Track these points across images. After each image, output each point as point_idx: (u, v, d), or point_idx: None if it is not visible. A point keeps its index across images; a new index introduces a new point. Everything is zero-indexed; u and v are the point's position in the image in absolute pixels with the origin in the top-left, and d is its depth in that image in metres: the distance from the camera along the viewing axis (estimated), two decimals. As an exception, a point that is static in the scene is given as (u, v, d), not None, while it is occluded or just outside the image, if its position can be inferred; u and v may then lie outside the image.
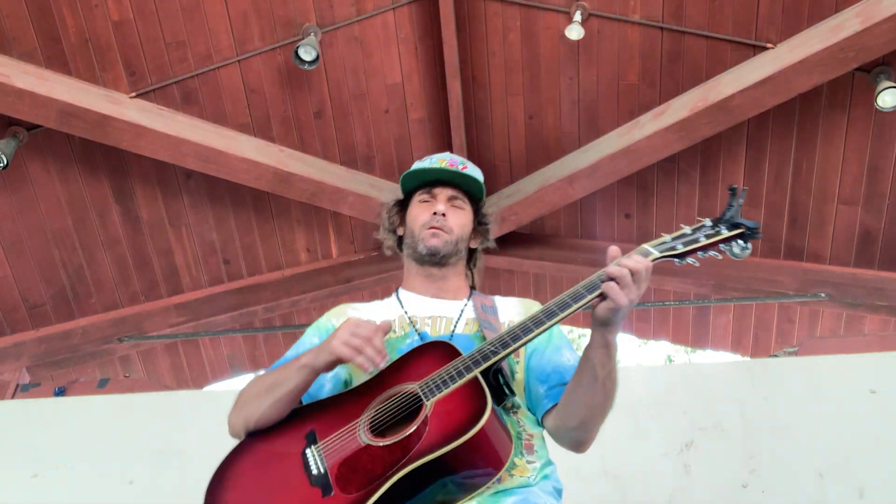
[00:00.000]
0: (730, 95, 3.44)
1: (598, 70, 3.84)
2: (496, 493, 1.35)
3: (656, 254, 1.35)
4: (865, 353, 3.17)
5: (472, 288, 1.76)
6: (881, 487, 2.47)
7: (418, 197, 1.73)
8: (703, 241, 1.36)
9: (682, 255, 1.35)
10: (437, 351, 1.42)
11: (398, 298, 1.70)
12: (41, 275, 4.04)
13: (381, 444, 1.31)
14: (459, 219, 1.70)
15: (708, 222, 1.38)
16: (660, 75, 3.77)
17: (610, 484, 2.61)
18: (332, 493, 1.28)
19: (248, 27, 3.66)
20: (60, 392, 3.76)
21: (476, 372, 1.33)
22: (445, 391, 1.32)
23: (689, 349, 8.80)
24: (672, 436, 2.72)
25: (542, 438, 1.52)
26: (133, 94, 3.64)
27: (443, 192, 1.71)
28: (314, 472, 1.33)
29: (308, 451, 1.39)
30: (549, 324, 1.33)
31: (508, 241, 4.26)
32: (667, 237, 1.38)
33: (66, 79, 3.51)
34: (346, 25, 3.74)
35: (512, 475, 1.39)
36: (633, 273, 1.27)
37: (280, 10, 3.64)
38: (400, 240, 1.78)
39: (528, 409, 1.53)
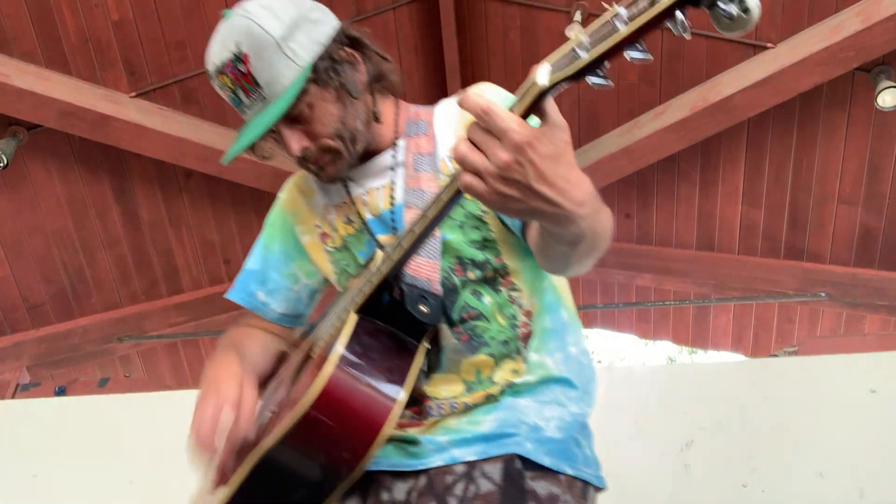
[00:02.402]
0: (730, 95, 3.44)
1: (598, 70, 3.83)
2: (470, 409, 1.10)
3: (540, 82, 0.78)
4: (865, 353, 3.16)
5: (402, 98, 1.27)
6: (881, 487, 2.47)
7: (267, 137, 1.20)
8: (625, 28, 0.72)
9: (591, 67, 0.74)
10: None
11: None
12: (41, 275, 4.04)
13: (273, 412, 1.07)
14: (319, 125, 1.12)
15: (620, 8, 0.73)
16: (660, 75, 3.77)
17: (609, 483, 2.61)
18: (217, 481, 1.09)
19: (248, 27, 3.66)
20: (60, 392, 3.76)
21: (350, 314, 1.02)
22: (322, 345, 1.07)
23: (690, 350, 8.81)
24: (672, 436, 2.72)
25: (549, 306, 1.16)
26: (133, 93, 3.64)
27: (275, 125, 1.12)
28: None
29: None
30: (401, 252, 0.98)
31: (508, 241, 4.26)
32: (559, 51, 0.78)
33: (66, 79, 3.51)
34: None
35: (494, 382, 1.11)
36: (479, 146, 0.77)
37: (280, 9, 3.64)
38: None
39: (523, 255, 1.15)
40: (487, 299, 1.12)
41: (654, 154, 3.69)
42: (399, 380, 0.99)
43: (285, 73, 1.06)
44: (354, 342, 0.99)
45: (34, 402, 3.52)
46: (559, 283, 1.21)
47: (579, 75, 0.75)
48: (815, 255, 4.07)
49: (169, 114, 3.69)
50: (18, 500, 2.86)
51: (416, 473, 1.06)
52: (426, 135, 1.18)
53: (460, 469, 1.04)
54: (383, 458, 1.08)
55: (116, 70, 3.60)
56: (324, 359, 0.97)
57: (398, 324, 1.03)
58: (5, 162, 3.38)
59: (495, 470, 1.02)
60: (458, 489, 1.01)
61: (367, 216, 1.19)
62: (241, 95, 1.08)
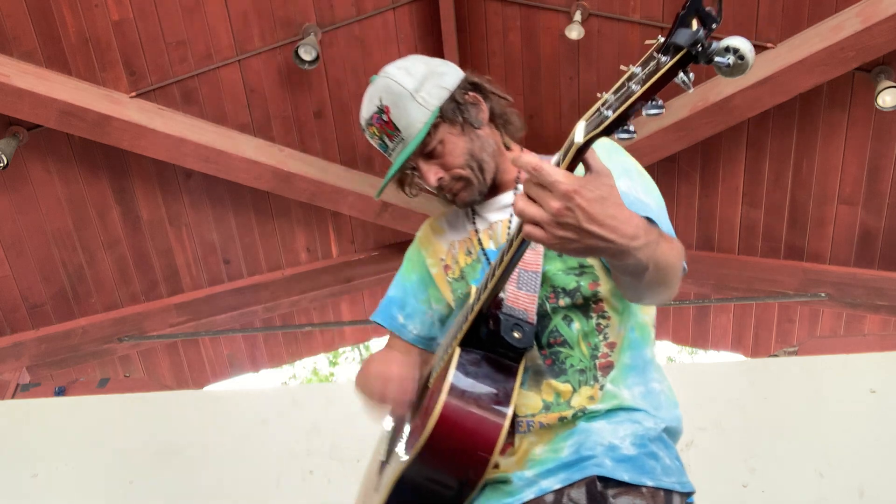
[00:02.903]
0: (730, 95, 3.44)
1: (598, 70, 3.84)
2: (548, 434, 1.20)
3: (577, 140, 0.89)
4: (865, 353, 3.17)
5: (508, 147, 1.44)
6: (881, 487, 2.47)
7: (409, 173, 1.41)
8: (639, 89, 0.83)
9: (615, 125, 0.86)
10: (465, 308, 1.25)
11: (471, 210, 1.42)
12: (41, 275, 4.04)
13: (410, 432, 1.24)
14: (450, 157, 1.32)
15: (636, 68, 0.84)
16: (660, 75, 3.77)
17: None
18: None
19: (248, 27, 3.66)
20: (60, 392, 3.76)
21: (455, 348, 1.16)
22: (435, 375, 1.20)
23: (690, 350, 8.80)
24: (672, 436, 2.71)
25: (634, 342, 1.26)
26: (133, 93, 3.64)
27: (413, 161, 1.34)
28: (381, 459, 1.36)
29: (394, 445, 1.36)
30: (492, 282, 1.10)
31: (508, 241, 4.26)
32: (591, 110, 0.90)
33: (66, 79, 3.51)
34: (346, 25, 3.74)
35: (570, 406, 1.21)
36: (535, 199, 0.91)
37: (280, 10, 3.64)
38: None
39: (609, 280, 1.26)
40: (576, 325, 1.24)
41: (654, 154, 3.69)
42: (505, 400, 1.13)
43: (418, 117, 1.29)
44: (460, 372, 1.14)
45: (34, 402, 3.53)
46: (647, 322, 1.31)
47: (608, 131, 0.87)
48: (815, 255, 4.07)
49: (169, 114, 3.69)
50: (18, 500, 2.86)
51: None
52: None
53: (550, 499, 1.13)
54: (485, 500, 1.19)
55: (116, 70, 3.59)
56: (438, 390, 1.13)
57: (497, 350, 1.17)
58: (5, 162, 3.37)
59: (580, 494, 1.12)
60: None
61: (489, 247, 1.35)
62: (386, 140, 1.32)
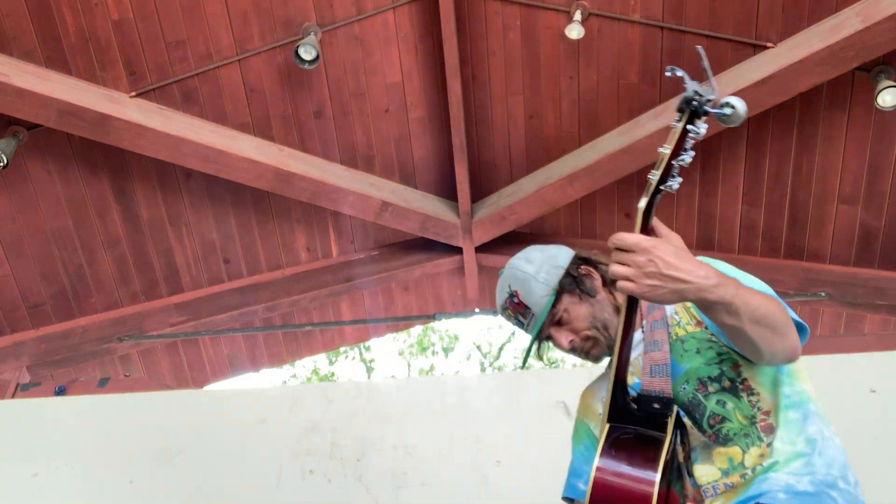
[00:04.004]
0: (730, 95, 3.43)
1: (598, 69, 3.84)
2: (732, 490, 1.35)
3: (639, 208, 1.22)
4: (865, 352, 3.17)
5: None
6: (881, 487, 2.47)
7: (545, 342, 1.65)
8: (668, 151, 1.24)
9: (661, 183, 1.22)
10: None
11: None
12: (41, 274, 4.04)
13: None
14: (577, 322, 1.56)
15: (664, 149, 1.25)
16: (660, 75, 3.77)
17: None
18: None
19: (248, 27, 3.66)
20: (60, 392, 3.76)
21: (605, 424, 1.35)
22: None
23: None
24: (672, 436, 2.71)
25: (792, 401, 1.42)
26: (133, 93, 3.64)
27: (546, 332, 1.59)
28: None
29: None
30: (616, 356, 1.32)
31: (508, 241, 4.26)
32: (649, 181, 1.24)
33: (66, 78, 3.51)
34: (346, 25, 3.74)
35: (745, 466, 1.36)
36: (622, 262, 1.18)
37: (280, 9, 3.64)
38: None
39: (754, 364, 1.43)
40: (730, 405, 1.39)
41: (655, 154, 3.69)
42: (652, 466, 1.24)
43: (542, 294, 1.55)
44: (608, 445, 1.29)
45: (34, 402, 3.53)
46: (803, 388, 1.45)
47: (657, 192, 1.21)
48: (815, 254, 4.07)
49: (169, 114, 3.69)
50: (18, 500, 2.86)
51: None
52: (660, 309, 1.54)
53: None
54: None
55: (116, 70, 3.60)
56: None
57: (643, 425, 1.32)
58: (5, 162, 3.37)
59: None
60: None
61: (632, 382, 1.47)
62: (521, 318, 1.58)
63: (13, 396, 3.82)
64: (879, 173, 3.77)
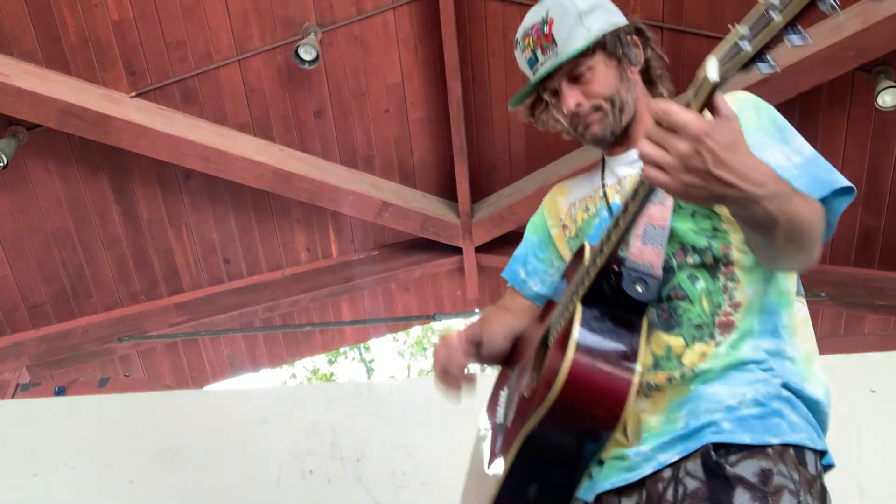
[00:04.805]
0: (730, 95, 3.44)
1: (598, 70, 3.83)
2: (662, 401, 1.16)
3: (712, 78, 0.85)
4: (865, 353, 3.17)
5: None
6: (881, 487, 2.47)
7: (544, 94, 1.39)
8: (779, 18, 0.78)
9: (754, 60, 0.82)
10: (576, 261, 1.24)
11: (602, 165, 1.41)
12: (41, 274, 4.04)
13: (525, 394, 1.23)
14: (597, 85, 1.29)
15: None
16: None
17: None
18: (495, 458, 1.27)
19: (248, 27, 3.66)
20: (60, 392, 3.76)
21: (577, 304, 1.12)
22: (552, 339, 1.19)
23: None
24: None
25: (770, 307, 1.18)
26: (133, 93, 3.64)
27: (557, 81, 1.32)
28: (499, 421, 1.33)
29: (502, 393, 1.38)
30: (611, 243, 1.07)
31: (508, 241, 4.26)
32: (724, 45, 0.85)
33: (66, 78, 3.51)
34: (346, 25, 3.74)
35: (682, 364, 1.15)
36: (659, 143, 0.88)
37: (280, 9, 3.64)
38: None
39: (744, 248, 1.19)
40: (701, 284, 1.17)
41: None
42: (632, 356, 1.09)
43: (578, 38, 1.28)
44: (585, 329, 1.10)
45: (34, 402, 3.52)
46: (790, 289, 1.22)
47: (747, 66, 0.82)
48: (815, 254, 4.07)
49: (169, 114, 3.69)
50: (18, 500, 2.86)
51: (636, 486, 1.13)
52: None
53: (667, 473, 1.09)
54: (605, 479, 1.16)
55: (116, 70, 3.60)
56: (563, 347, 1.09)
57: (620, 305, 1.13)
58: (5, 162, 3.37)
59: (697, 467, 1.06)
60: (670, 494, 1.07)
61: (615, 201, 1.31)
62: (539, 53, 1.32)
63: (13, 396, 3.81)
64: (879, 173, 3.77)
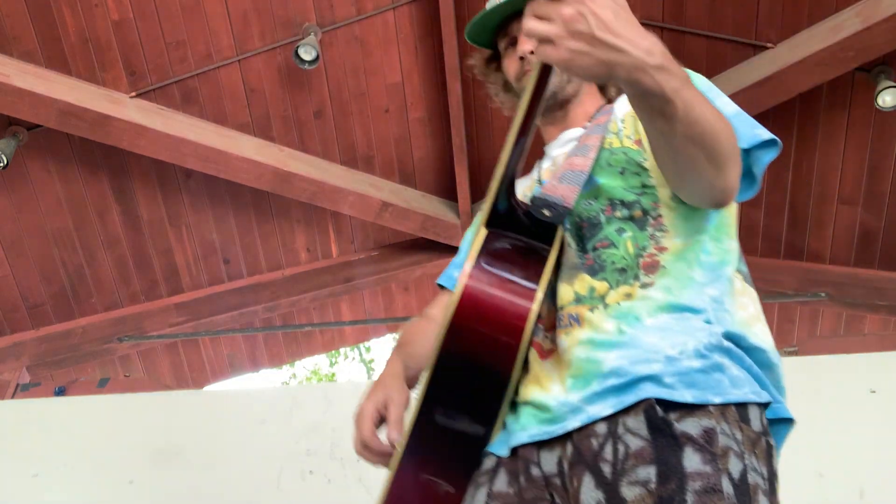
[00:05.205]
0: (730, 95, 3.43)
1: (598, 70, 3.83)
2: (589, 344, 1.06)
3: None
4: (865, 353, 3.17)
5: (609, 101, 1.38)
6: (881, 487, 2.47)
7: (501, 45, 1.37)
8: None
9: None
10: None
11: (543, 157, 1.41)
12: (41, 275, 4.04)
13: None
14: None
15: None
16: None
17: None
18: None
19: (248, 27, 3.66)
20: (60, 392, 3.76)
21: (481, 225, 1.09)
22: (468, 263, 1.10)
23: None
24: (672, 436, 2.71)
25: (706, 261, 1.13)
26: (133, 93, 3.64)
27: (517, 28, 1.31)
28: None
29: None
30: (510, 138, 1.06)
31: (508, 241, 4.26)
32: None
33: (66, 79, 3.51)
34: (346, 25, 3.74)
35: (606, 304, 1.08)
36: (542, 17, 0.89)
37: (280, 9, 3.64)
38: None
39: (680, 205, 1.16)
40: (628, 234, 1.13)
41: (654, 154, 3.70)
42: (534, 278, 1.03)
43: None
44: (486, 252, 1.04)
45: (34, 402, 3.53)
46: (729, 247, 1.18)
47: None
48: (815, 255, 4.07)
49: (169, 114, 3.69)
50: (18, 500, 2.86)
51: (560, 441, 1.04)
52: (607, 114, 1.28)
53: (601, 429, 1.00)
54: (521, 430, 1.08)
55: (116, 70, 3.59)
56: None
57: (528, 232, 1.09)
58: (5, 162, 3.37)
59: (638, 423, 0.98)
60: (608, 452, 0.97)
61: (546, 179, 1.27)
62: None
63: (13, 396, 3.81)
64: (879, 173, 3.77)
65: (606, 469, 0.96)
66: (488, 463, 1.10)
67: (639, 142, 1.20)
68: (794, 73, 3.32)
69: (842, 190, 3.86)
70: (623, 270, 1.10)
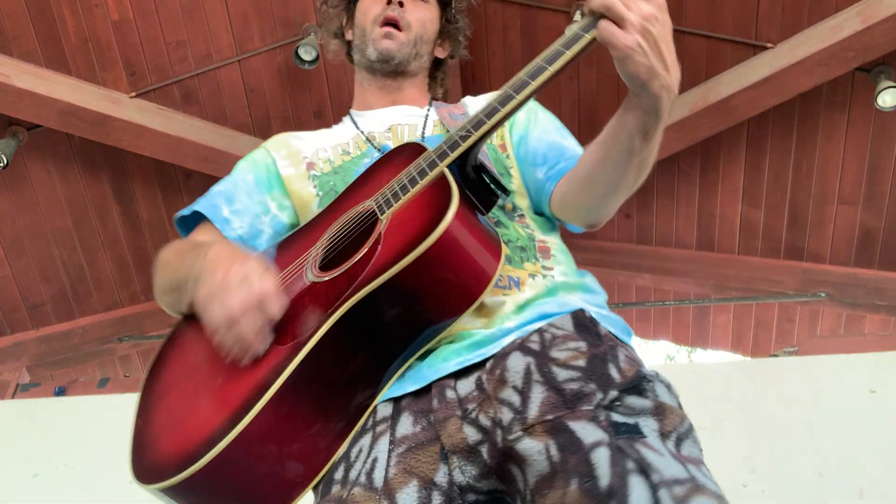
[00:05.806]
0: (730, 95, 3.44)
1: (598, 70, 3.83)
2: (518, 308, 1.05)
3: None
4: (865, 353, 3.17)
5: (435, 99, 1.43)
6: (881, 487, 2.47)
7: None
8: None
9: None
10: (403, 155, 1.12)
11: (351, 120, 1.37)
12: (41, 275, 4.04)
13: (325, 278, 1.01)
14: (420, 13, 1.36)
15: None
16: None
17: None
18: (267, 349, 0.97)
19: (248, 27, 3.66)
20: (60, 392, 3.76)
21: (442, 166, 1.01)
22: (404, 199, 1.02)
23: (689, 349, 8.81)
24: (672, 436, 2.71)
25: (564, 249, 1.21)
26: (133, 93, 3.64)
27: None
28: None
29: None
30: (524, 93, 1.04)
31: (508, 241, 4.27)
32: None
33: (66, 79, 3.51)
34: (346, 25, 3.75)
35: (519, 283, 1.07)
36: (628, 4, 0.90)
37: (280, 10, 3.64)
38: (350, 45, 1.44)
39: (535, 213, 1.22)
40: (504, 219, 1.16)
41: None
42: (496, 234, 1.03)
43: None
44: (461, 189, 0.99)
45: (34, 402, 3.52)
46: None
47: None
48: (815, 255, 4.07)
49: (169, 114, 3.69)
50: (18, 500, 2.86)
51: (479, 366, 0.99)
52: (463, 109, 1.32)
53: (535, 338, 0.98)
54: (443, 362, 1.00)
55: (116, 70, 3.60)
56: (424, 210, 0.98)
57: (478, 194, 1.06)
58: (5, 162, 3.38)
59: (566, 321, 1.00)
60: (534, 339, 0.97)
61: (387, 143, 1.27)
62: None
63: (13, 396, 3.81)
64: (879, 173, 3.77)
65: (535, 346, 0.96)
66: (383, 410, 1.00)
67: (503, 146, 1.26)
68: (794, 73, 3.32)
69: (842, 190, 3.86)
70: (523, 249, 1.13)
